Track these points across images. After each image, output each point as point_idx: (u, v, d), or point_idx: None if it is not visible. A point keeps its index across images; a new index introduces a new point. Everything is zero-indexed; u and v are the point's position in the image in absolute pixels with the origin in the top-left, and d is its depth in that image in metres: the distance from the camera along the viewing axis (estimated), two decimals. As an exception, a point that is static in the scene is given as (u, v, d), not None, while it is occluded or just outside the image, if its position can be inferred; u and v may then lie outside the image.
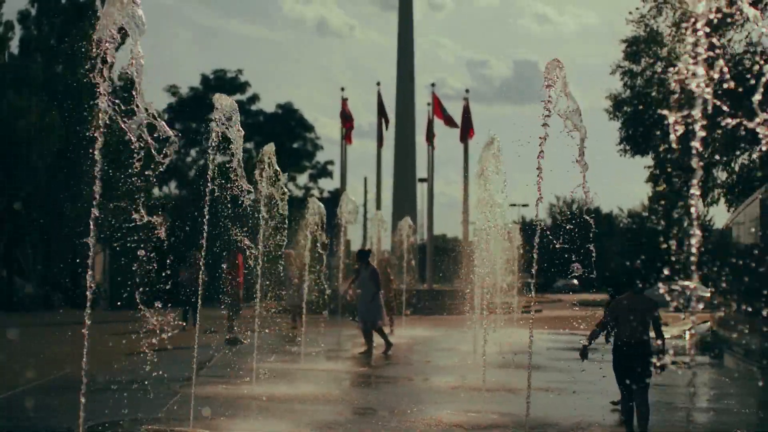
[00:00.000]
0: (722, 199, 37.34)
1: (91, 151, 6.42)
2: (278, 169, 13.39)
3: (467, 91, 46.29)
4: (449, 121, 43.39)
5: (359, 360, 17.59)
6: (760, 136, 3.78)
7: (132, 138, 6.15)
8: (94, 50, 6.14)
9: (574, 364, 17.48)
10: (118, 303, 25.77)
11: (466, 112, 43.35)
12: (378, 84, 45.11)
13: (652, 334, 9.15)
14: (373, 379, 15.58)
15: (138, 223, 6.54)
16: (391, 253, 32.46)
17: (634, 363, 8.95)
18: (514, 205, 76.02)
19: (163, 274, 6.92)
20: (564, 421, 10.41)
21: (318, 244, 18.78)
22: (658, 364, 9.02)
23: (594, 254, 8.42)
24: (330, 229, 22.60)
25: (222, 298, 19.64)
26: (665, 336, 9.49)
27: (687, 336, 18.02)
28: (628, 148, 39.99)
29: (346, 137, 44.49)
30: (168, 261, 7.62)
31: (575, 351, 20.20)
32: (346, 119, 44.04)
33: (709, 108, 3.80)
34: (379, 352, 18.51)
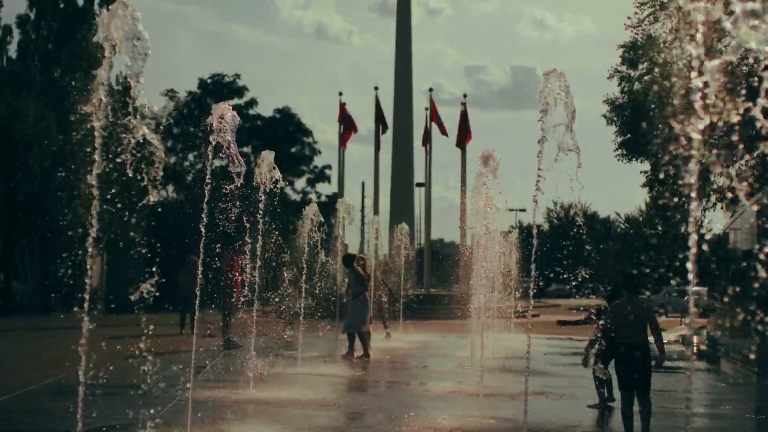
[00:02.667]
0: (719, 205, 37.39)
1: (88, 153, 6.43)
2: (279, 176, 13.33)
3: (465, 96, 46.10)
4: (441, 129, 43.73)
5: (356, 364, 17.57)
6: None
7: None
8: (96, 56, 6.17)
9: (571, 369, 17.50)
10: (113, 306, 25.86)
11: (464, 118, 43.43)
12: (376, 89, 45.11)
13: (650, 338, 9.30)
14: (370, 383, 15.58)
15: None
16: (388, 256, 32.50)
17: (635, 366, 9.07)
18: (512, 210, 76.18)
19: (161, 278, 6.90)
20: (561, 426, 10.41)
21: (315, 249, 18.77)
22: (655, 364, 9.21)
23: (584, 271, 8.46)
24: (327, 233, 22.58)
25: (218, 302, 19.66)
26: (663, 340, 9.63)
27: (694, 340, 18.07)
28: (625, 153, 40.05)
29: (343, 143, 44.49)
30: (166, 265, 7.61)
31: (572, 356, 20.25)
32: (349, 124, 43.99)
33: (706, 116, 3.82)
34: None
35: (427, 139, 44.53)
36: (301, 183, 65.71)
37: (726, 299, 20.71)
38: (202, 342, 18.79)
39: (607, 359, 11.10)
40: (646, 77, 37.19)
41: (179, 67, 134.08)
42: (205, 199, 9.60)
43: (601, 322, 10.39)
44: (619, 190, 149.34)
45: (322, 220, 18.67)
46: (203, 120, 10.30)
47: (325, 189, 66.20)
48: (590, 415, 11.47)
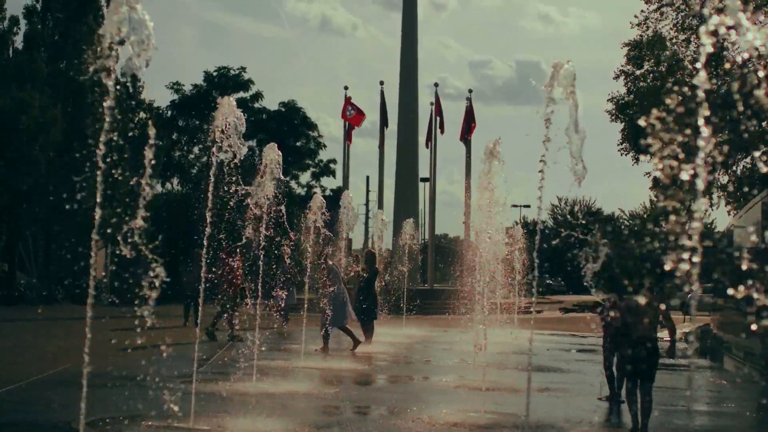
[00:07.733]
0: (723, 202, 37.34)
1: (93, 147, 6.43)
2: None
3: (470, 91, 45.89)
4: (440, 126, 43.98)
5: (358, 359, 17.58)
6: None
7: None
8: (99, 49, 6.13)
9: (574, 365, 17.53)
10: (114, 300, 25.97)
11: (469, 113, 43.43)
12: (381, 83, 45.05)
13: (660, 334, 9.61)
14: (372, 378, 15.59)
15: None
16: (392, 251, 32.56)
17: (643, 360, 9.32)
18: (516, 206, 76.14)
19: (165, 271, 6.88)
20: (563, 421, 10.42)
21: (320, 242, 18.74)
22: (665, 354, 9.51)
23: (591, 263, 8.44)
24: (331, 227, 22.57)
25: (220, 295, 19.68)
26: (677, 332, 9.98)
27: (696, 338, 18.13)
28: (630, 149, 39.95)
29: (349, 135, 44.45)
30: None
31: (575, 352, 20.24)
32: (359, 113, 43.87)
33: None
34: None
35: (431, 135, 44.56)
36: (305, 177, 65.65)
37: (730, 297, 20.69)
38: (205, 335, 18.82)
39: (614, 352, 11.33)
40: (651, 74, 37.07)
41: (182, 60, 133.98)
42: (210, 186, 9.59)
43: (609, 313, 10.75)
44: (622, 187, 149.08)
45: (327, 213, 18.62)
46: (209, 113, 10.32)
47: (330, 183, 66.16)
48: (592, 411, 11.48)
